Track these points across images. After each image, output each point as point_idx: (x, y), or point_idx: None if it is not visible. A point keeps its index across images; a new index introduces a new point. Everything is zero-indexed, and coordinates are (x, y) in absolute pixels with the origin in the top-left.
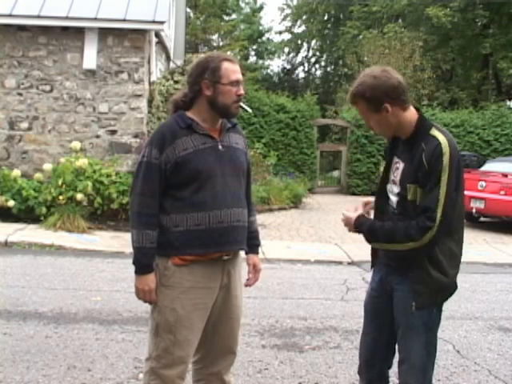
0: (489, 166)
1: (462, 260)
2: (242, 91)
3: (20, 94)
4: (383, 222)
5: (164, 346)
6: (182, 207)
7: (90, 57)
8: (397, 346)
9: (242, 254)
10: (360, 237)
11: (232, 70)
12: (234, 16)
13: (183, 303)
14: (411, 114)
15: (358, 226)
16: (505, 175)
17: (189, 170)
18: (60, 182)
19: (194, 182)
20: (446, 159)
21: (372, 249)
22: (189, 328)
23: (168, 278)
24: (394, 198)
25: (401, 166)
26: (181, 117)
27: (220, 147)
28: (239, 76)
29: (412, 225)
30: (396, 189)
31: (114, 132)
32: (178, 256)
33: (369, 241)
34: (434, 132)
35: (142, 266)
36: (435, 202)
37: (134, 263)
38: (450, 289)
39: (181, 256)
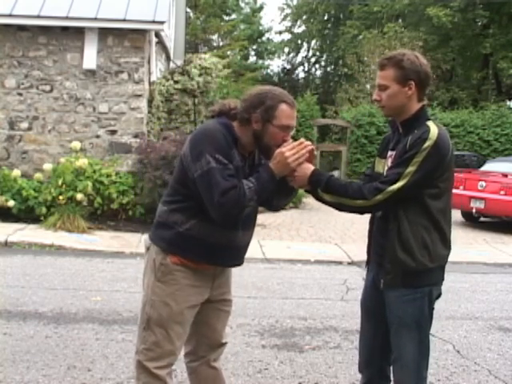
0: (489, 166)
1: (462, 260)
2: (288, 137)
3: (20, 94)
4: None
5: (154, 339)
6: (200, 215)
7: (90, 57)
8: None
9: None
10: (360, 237)
11: (287, 114)
12: (233, 16)
13: (177, 299)
14: (418, 107)
15: (316, 176)
16: (505, 175)
17: None
18: (60, 182)
19: None
20: (427, 145)
21: (367, 246)
22: (180, 323)
23: (164, 274)
24: None
25: (393, 154)
26: (229, 129)
27: (246, 168)
28: (292, 122)
29: (366, 186)
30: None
31: (113, 132)
32: (178, 256)
33: (322, 192)
34: (430, 123)
35: (272, 182)
36: (397, 175)
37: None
38: (424, 278)
39: (181, 258)
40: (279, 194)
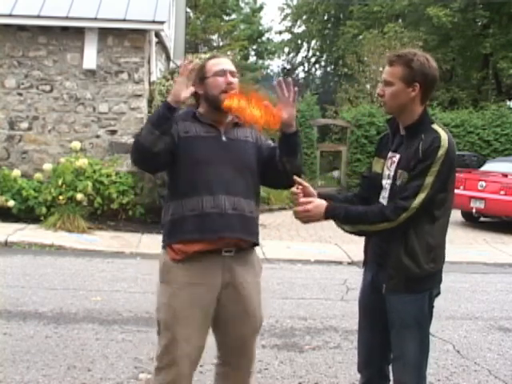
0: (489, 166)
1: (462, 260)
2: (230, 79)
3: (20, 94)
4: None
5: (164, 343)
6: (176, 194)
7: (90, 57)
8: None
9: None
10: (360, 237)
11: (215, 62)
12: (233, 16)
13: (179, 299)
14: (421, 110)
15: (331, 212)
16: (505, 175)
17: (186, 154)
18: (60, 182)
19: (190, 167)
20: (441, 153)
21: (364, 246)
22: (185, 325)
23: (165, 274)
24: (387, 186)
25: (397, 157)
26: (188, 110)
27: (224, 138)
28: (224, 66)
29: (387, 206)
30: (389, 179)
31: (113, 132)
32: (175, 244)
33: (342, 224)
34: (436, 127)
35: (165, 108)
36: (417, 188)
37: (160, 114)
38: (427, 283)
39: (177, 244)
40: (284, 154)
